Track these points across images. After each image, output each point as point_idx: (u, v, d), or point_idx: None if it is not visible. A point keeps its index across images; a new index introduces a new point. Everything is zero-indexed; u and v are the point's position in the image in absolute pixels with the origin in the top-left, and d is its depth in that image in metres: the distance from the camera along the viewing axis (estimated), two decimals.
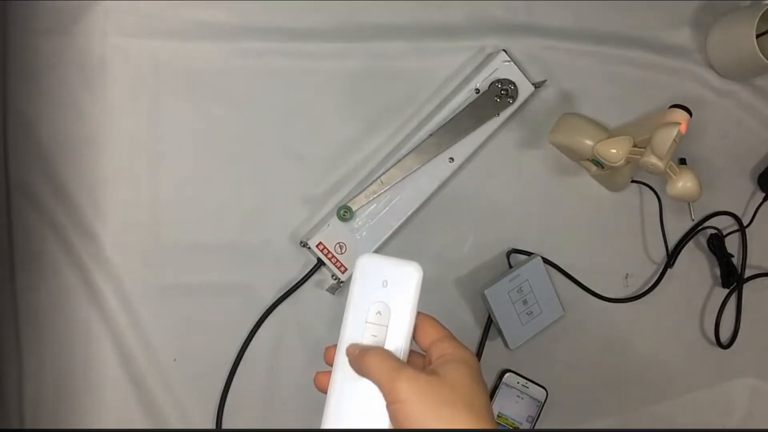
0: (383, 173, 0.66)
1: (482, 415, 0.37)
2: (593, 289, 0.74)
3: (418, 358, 0.42)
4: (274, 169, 0.67)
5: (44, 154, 0.63)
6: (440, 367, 0.38)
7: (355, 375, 0.40)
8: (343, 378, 0.40)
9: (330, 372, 0.41)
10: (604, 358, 0.75)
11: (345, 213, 0.65)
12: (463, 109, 0.68)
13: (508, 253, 0.72)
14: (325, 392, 0.41)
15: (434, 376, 0.37)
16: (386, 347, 0.40)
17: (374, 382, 0.38)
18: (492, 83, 0.68)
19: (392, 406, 0.37)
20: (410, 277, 0.41)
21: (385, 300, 0.41)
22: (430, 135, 0.67)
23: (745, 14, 0.72)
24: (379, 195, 0.66)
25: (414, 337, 0.41)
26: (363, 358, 0.39)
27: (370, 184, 0.66)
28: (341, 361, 0.40)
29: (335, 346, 0.41)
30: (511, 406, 0.70)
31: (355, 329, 0.41)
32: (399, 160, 0.66)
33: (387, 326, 0.40)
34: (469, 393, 0.37)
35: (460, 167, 0.69)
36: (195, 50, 0.65)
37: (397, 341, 0.40)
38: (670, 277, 0.76)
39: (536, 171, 0.74)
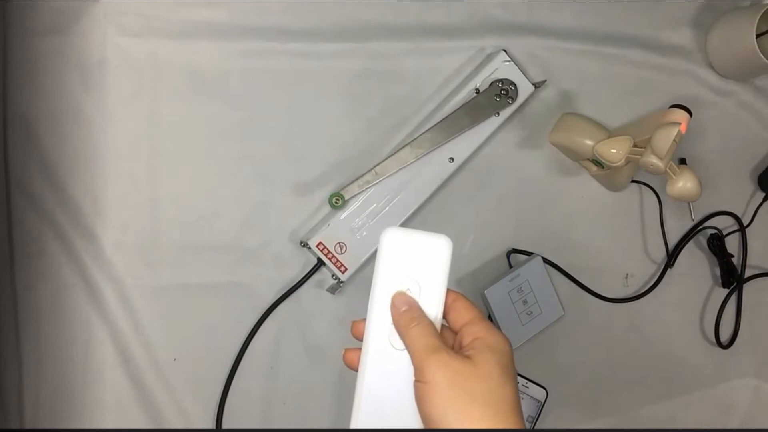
0: (378, 164, 0.65)
1: (504, 411, 0.36)
2: (593, 289, 0.74)
3: (449, 335, 0.40)
4: (274, 169, 0.67)
5: (44, 154, 0.63)
6: (474, 352, 0.37)
7: (388, 350, 0.38)
8: (375, 354, 0.39)
9: (359, 349, 0.40)
10: (604, 358, 0.75)
11: (337, 200, 0.64)
12: (461, 106, 0.68)
13: (508, 253, 0.72)
14: (355, 369, 0.40)
15: (467, 364, 0.37)
16: None
17: (408, 351, 0.38)
18: (492, 83, 0.68)
19: (418, 383, 0.37)
20: (441, 251, 0.39)
21: (414, 276, 0.38)
22: (427, 130, 0.67)
23: (745, 14, 0.72)
24: (372, 185, 0.65)
25: (445, 316, 0.40)
26: (408, 327, 0.38)
27: (364, 173, 0.65)
28: (372, 337, 0.39)
29: (363, 320, 0.40)
30: None
31: (384, 306, 0.39)
32: (394, 152, 0.66)
33: (417, 301, 0.39)
34: (498, 387, 0.36)
35: (460, 167, 0.69)
36: (195, 50, 0.65)
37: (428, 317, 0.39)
38: (670, 277, 0.76)
39: (536, 171, 0.74)
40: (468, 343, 0.38)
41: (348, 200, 0.65)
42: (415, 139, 0.66)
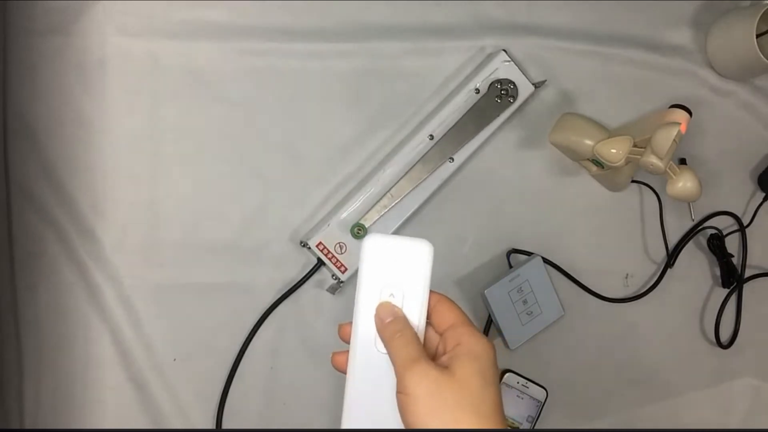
0: (392, 186, 0.66)
1: (489, 418, 0.36)
2: (593, 289, 0.74)
3: (434, 337, 0.41)
4: (274, 169, 0.67)
5: (44, 154, 0.63)
6: (454, 360, 0.38)
7: (374, 353, 0.39)
8: (362, 358, 0.39)
9: (346, 352, 0.40)
10: (604, 358, 0.75)
11: (359, 230, 0.65)
12: (465, 114, 0.68)
13: (508, 253, 0.72)
14: (343, 371, 0.40)
15: (445, 374, 0.37)
16: None
17: (391, 361, 0.39)
18: (492, 84, 0.68)
19: (400, 395, 0.38)
20: (422, 255, 0.40)
21: (397, 281, 0.39)
22: (435, 142, 0.67)
23: (745, 14, 0.72)
24: (390, 209, 0.66)
25: (429, 319, 0.41)
26: (391, 338, 0.39)
27: (381, 198, 0.66)
28: (359, 341, 0.40)
29: (350, 323, 0.41)
30: (511, 406, 0.70)
31: (368, 312, 0.40)
32: (407, 172, 0.66)
33: (401, 307, 0.40)
34: (478, 393, 0.37)
35: (460, 167, 0.69)
36: (195, 50, 0.65)
37: (411, 323, 0.39)
38: (670, 277, 0.76)
39: (536, 171, 0.74)
40: (450, 349, 0.39)
41: (369, 227, 0.65)
42: (425, 154, 0.67)
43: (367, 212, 0.66)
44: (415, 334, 0.39)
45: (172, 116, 0.65)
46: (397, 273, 0.39)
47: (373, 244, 0.40)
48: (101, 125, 0.64)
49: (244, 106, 0.67)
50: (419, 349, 0.38)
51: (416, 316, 0.40)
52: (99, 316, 0.64)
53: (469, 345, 0.38)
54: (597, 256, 0.75)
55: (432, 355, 0.40)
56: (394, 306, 0.40)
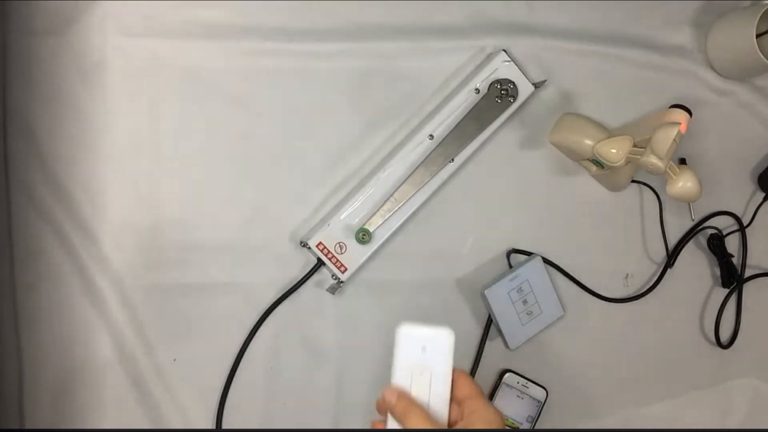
0: (396, 191, 0.66)
1: None
2: (593, 289, 0.74)
3: (454, 408, 0.47)
4: (274, 169, 0.67)
5: (44, 154, 0.63)
6: (471, 426, 0.45)
7: None
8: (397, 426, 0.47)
9: (383, 421, 0.47)
10: (604, 358, 0.75)
11: (364, 236, 0.65)
12: (466, 115, 0.68)
13: (508, 253, 0.72)
14: None
15: None
16: (431, 404, 0.46)
17: None
18: (492, 84, 0.68)
19: None
20: (445, 341, 0.47)
21: (425, 363, 0.47)
22: (435, 143, 0.67)
23: (745, 14, 0.72)
24: (393, 213, 0.66)
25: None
26: (405, 417, 0.45)
27: (384, 203, 0.66)
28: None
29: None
30: (511, 406, 0.70)
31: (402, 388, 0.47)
32: (409, 176, 0.67)
33: (429, 384, 0.47)
34: None
35: (460, 167, 0.69)
36: (195, 50, 0.66)
37: (439, 398, 0.47)
38: (670, 277, 0.76)
39: (536, 171, 0.74)
40: (466, 416, 0.46)
41: (373, 232, 0.66)
42: (427, 157, 0.67)
43: (371, 217, 0.66)
44: (424, 412, 0.46)
45: (172, 116, 0.65)
46: (425, 355, 0.47)
47: (405, 333, 0.47)
48: (101, 125, 0.64)
49: (243, 106, 0.67)
50: (432, 424, 0.45)
51: (442, 389, 0.47)
52: (99, 316, 0.64)
53: (485, 415, 0.46)
54: (597, 256, 0.75)
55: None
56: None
